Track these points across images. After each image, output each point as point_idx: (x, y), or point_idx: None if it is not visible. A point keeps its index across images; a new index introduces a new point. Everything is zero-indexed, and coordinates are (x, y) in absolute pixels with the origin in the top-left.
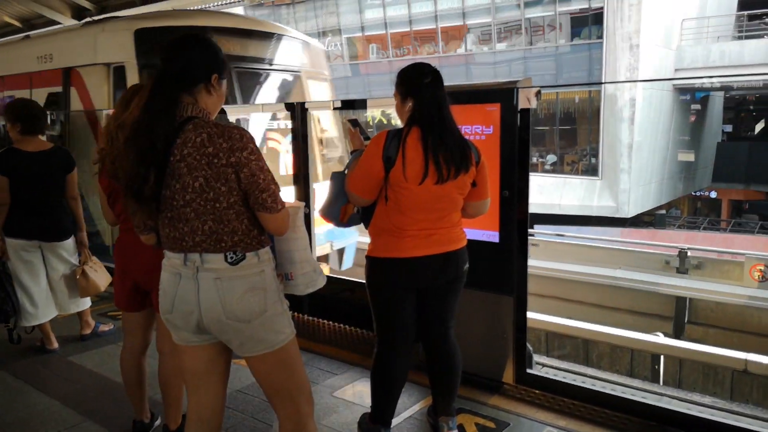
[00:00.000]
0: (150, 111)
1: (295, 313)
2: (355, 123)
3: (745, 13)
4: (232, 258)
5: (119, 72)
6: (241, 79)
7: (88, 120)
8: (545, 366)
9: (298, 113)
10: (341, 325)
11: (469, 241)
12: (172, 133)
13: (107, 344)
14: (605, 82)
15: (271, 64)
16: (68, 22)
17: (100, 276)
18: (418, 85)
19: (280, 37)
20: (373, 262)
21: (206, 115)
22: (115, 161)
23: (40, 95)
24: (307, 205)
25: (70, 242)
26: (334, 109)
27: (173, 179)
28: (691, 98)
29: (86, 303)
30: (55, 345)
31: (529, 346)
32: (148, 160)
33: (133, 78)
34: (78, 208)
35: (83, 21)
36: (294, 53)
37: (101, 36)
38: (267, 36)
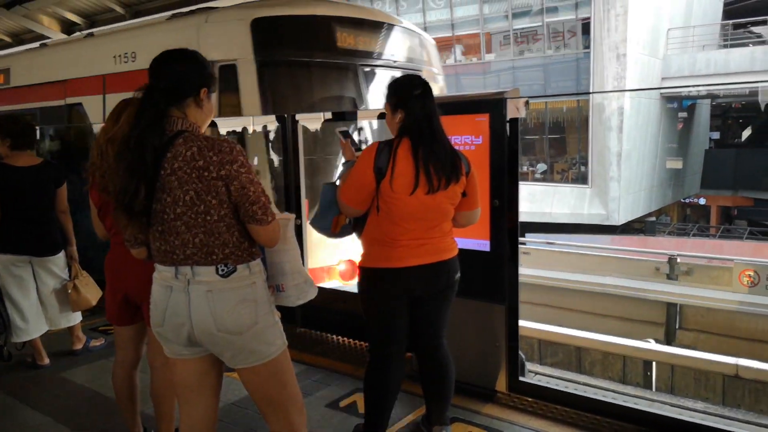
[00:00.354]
0: (139, 125)
1: (288, 324)
2: (345, 134)
3: (730, 22)
4: (223, 270)
5: (228, 72)
6: (368, 78)
7: None
8: (538, 374)
9: (289, 124)
10: (334, 335)
11: (461, 250)
12: (162, 147)
13: (98, 359)
14: (593, 92)
15: (395, 61)
16: (57, 36)
17: (90, 290)
18: (408, 97)
19: (405, 30)
20: (366, 272)
21: (196, 129)
22: (105, 175)
23: (116, 101)
24: (299, 217)
25: (60, 257)
26: (326, 120)
27: (164, 193)
28: (679, 106)
29: (77, 318)
30: (46, 360)
31: (521, 354)
32: (138, 175)
33: (247, 79)
34: (68, 223)
35: (171, 13)
36: (416, 48)
37: (205, 28)
38: (393, 29)
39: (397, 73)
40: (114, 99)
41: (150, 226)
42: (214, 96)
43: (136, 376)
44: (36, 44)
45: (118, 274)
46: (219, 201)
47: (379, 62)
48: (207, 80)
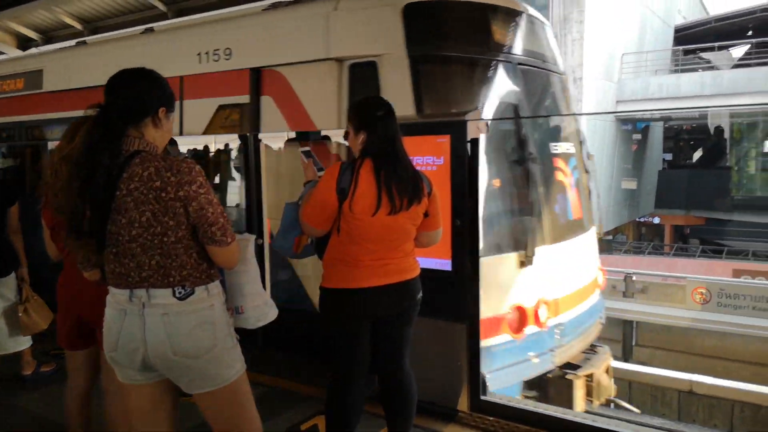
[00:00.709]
0: (92, 145)
1: (248, 346)
2: (308, 154)
3: (680, 48)
4: (180, 293)
5: (366, 72)
6: (528, 80)
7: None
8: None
9: (251, 143)
10: (297, 356)
11: (422, 269)
12: (117, 167)
13: (50, 385)
14: (548, 115)
15: (551, 62)
16: (13, 52)
17: (41, 313)
18: (371, 118)
19: (542, 25)
20: (328, 293)
21: (153, 149)
22: (58, 194)
23: (199, 108)
24: (260, 237)
25: (11, 278)
26: (289, 140)
27: (119, 214)
28: (633, 128)
29: (27, 342)
30: None
31: (483, 372)
32: (87, 195)
33: (392, 79)
34: (19, 243)
35: (269, 2)
36: (556, 52)
37: (336, 17)
38: (545, 28)
39: (553, 78)
40: (197, 105)
41: (104, 248)
42: (173, 115)
43: (89, 403)
44: (71, 42)
45: (71, 296)
46: (177, 222)
47: (536, 63)
48: (166, 100)
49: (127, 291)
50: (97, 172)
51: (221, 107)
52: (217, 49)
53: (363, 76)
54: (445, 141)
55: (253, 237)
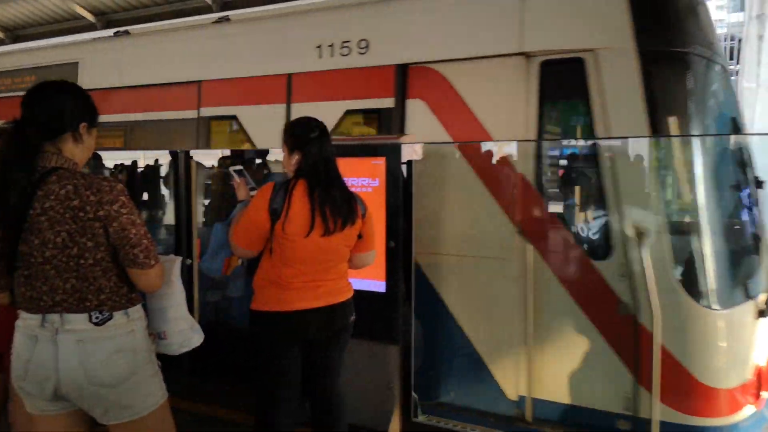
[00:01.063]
0: (5, 161)
1: (172, 372)
2: (240, 173)
3: None
4: (97, 318)
5: (566, 70)
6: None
7: (475, 165)
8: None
9: (182, 161)
10: (225, 382)
11: (356, 291)
12: (32, 185)
13: None
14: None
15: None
16: None
17: None
18: (305, 139)
19: None
20: (257, 316)
21: (73, 166)
22: None
23: (317, 114)
24: (190, 257)
25: None
26: (223, 158)
27: (32, 234)
28: None
29: None
30: None
31: (414, 395)
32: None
33: (610, 81)
34: None
35: None
36: None
37: (531, 2)
38: None
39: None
40: (314, 110)
41: (14, 270)
42: (95, 131)
43: None
44: (110, 31)
45: None
46: (95, 243)
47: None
48: (88, 114)
49: (39, 316)
50: (10, 190)
51: (349, 113)
52: (347, 41)
53: (560, 76)
54: (380, 163)
55: (179, 258)
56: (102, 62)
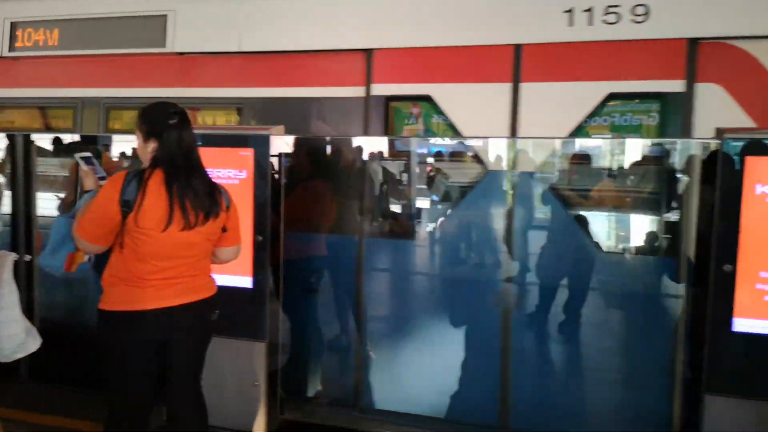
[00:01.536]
0: None
1: (7, 379)
2: (88, 160)
3: None
4: None
5: None
6: None
7: None
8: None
9: (20, 145)
10: (69, 388)
11: (221, 287)
12: None
13: None
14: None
15: None
16: None
17: None
18: (163, 126)
19: None
20: (106, 316)
21: None
22: None
23: (564, 96)
24: (30, 253)
25: None
26: (70, 144)
27: None
28: None
29: None
30: None
31: (280, 391)
32: None
33: None
34: None
35: None
36: None
37: None
38: None
39: None
40: (559, 91)
41: None
42: None
43: None
44: None
45: None
46: None
47: None
48: None
49: None
50: None
51: (612, 96)
52: (615, 5)
53: None
54: (248, 154)
55: (11, 255)
56: (206, 18)
